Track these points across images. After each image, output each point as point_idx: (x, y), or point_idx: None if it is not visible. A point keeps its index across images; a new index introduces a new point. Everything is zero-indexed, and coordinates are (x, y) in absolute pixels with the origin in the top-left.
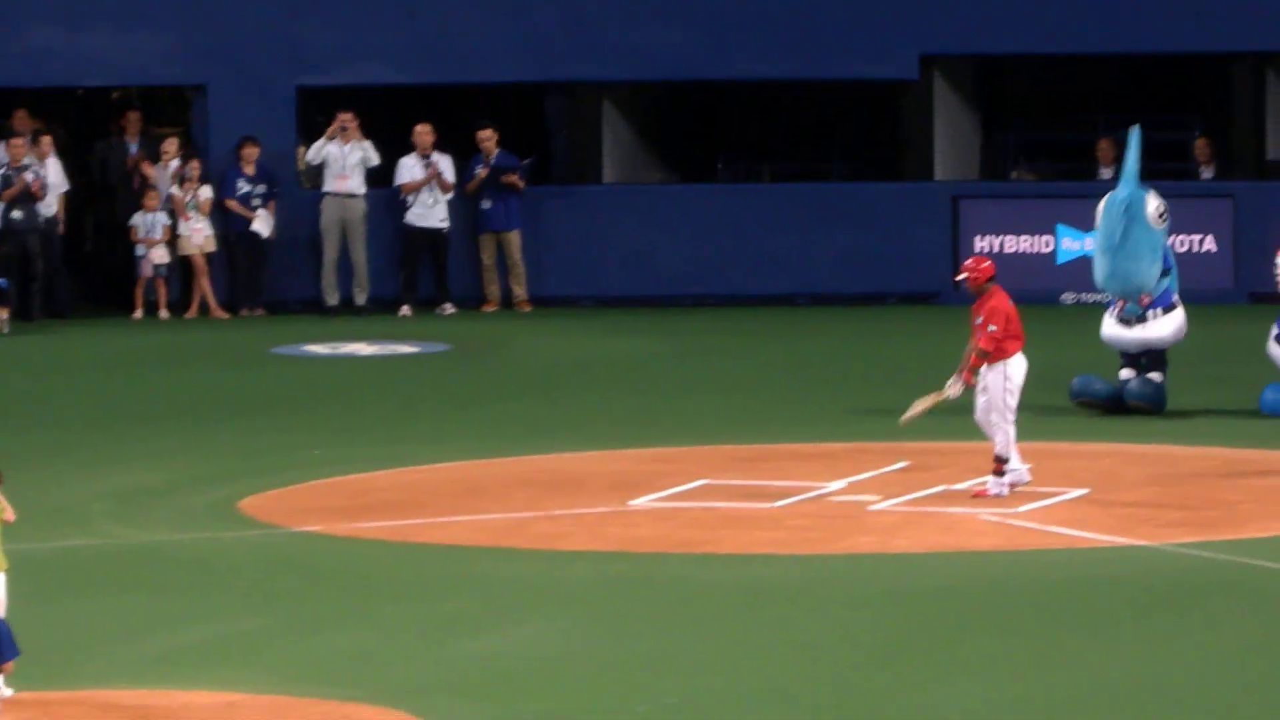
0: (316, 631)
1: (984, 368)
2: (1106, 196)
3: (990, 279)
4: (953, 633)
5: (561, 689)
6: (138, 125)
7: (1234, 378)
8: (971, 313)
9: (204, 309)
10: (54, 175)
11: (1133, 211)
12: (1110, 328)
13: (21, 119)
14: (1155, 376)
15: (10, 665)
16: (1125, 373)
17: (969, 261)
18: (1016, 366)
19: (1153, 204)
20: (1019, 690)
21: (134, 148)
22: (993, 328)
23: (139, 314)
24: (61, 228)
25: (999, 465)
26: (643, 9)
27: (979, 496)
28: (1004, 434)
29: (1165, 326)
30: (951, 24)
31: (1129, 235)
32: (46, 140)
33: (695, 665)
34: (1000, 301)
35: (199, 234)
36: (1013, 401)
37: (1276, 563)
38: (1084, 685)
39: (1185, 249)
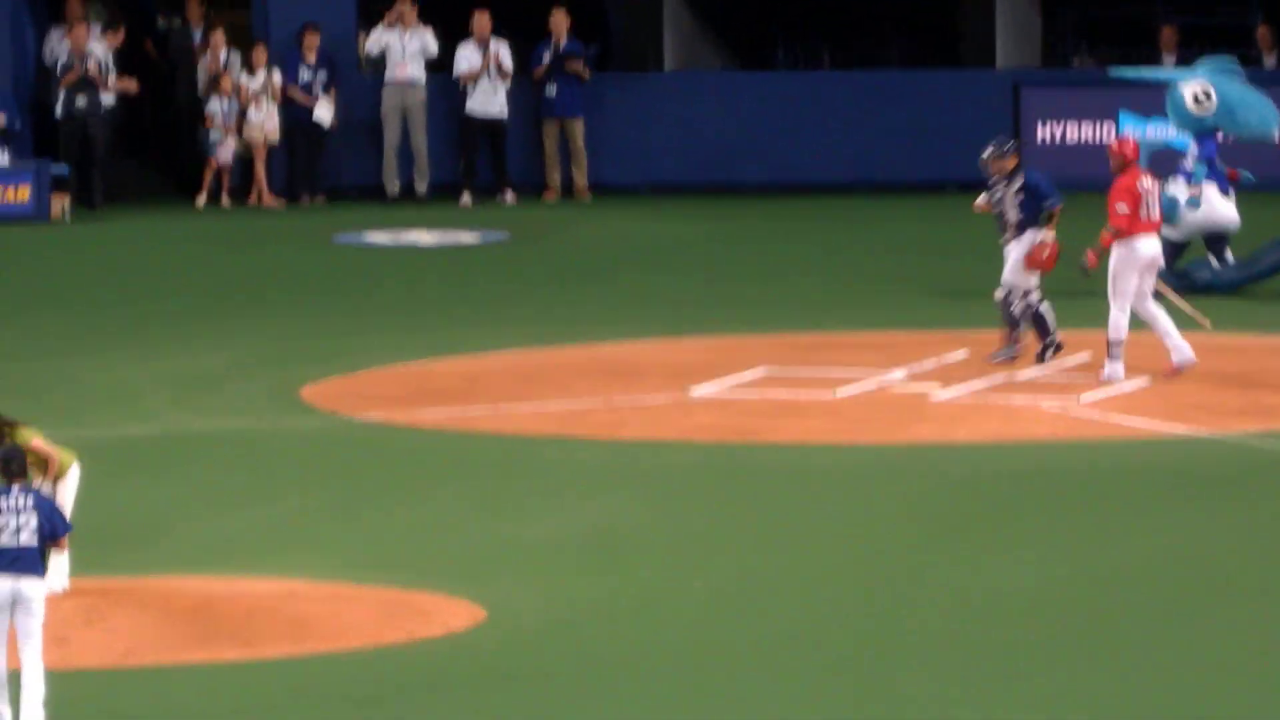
0: (376, 517)
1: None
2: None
3: (1129, 159)
4: (1006, 516)
5: (618, 570)
6: (200, 10)
7: None
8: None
9: (240, 189)
10: (105, 58)
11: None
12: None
13: (74, 4)
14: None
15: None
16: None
17: (1113, 142)
18: (1135, 248)
19: (1188, 91)
20: (1066, 569)
21: (198, 35)
22: (1121, 206)
23: (203, 200)
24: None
25: (1109, 348)
26: None
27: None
28: (1113, 316)
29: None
30: None
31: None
32: (118, 32)
33: (750, 546)
34: (1129, 181)
35: (269, 125)
36: (1121, 285)
37: None
38: (1127, 563)
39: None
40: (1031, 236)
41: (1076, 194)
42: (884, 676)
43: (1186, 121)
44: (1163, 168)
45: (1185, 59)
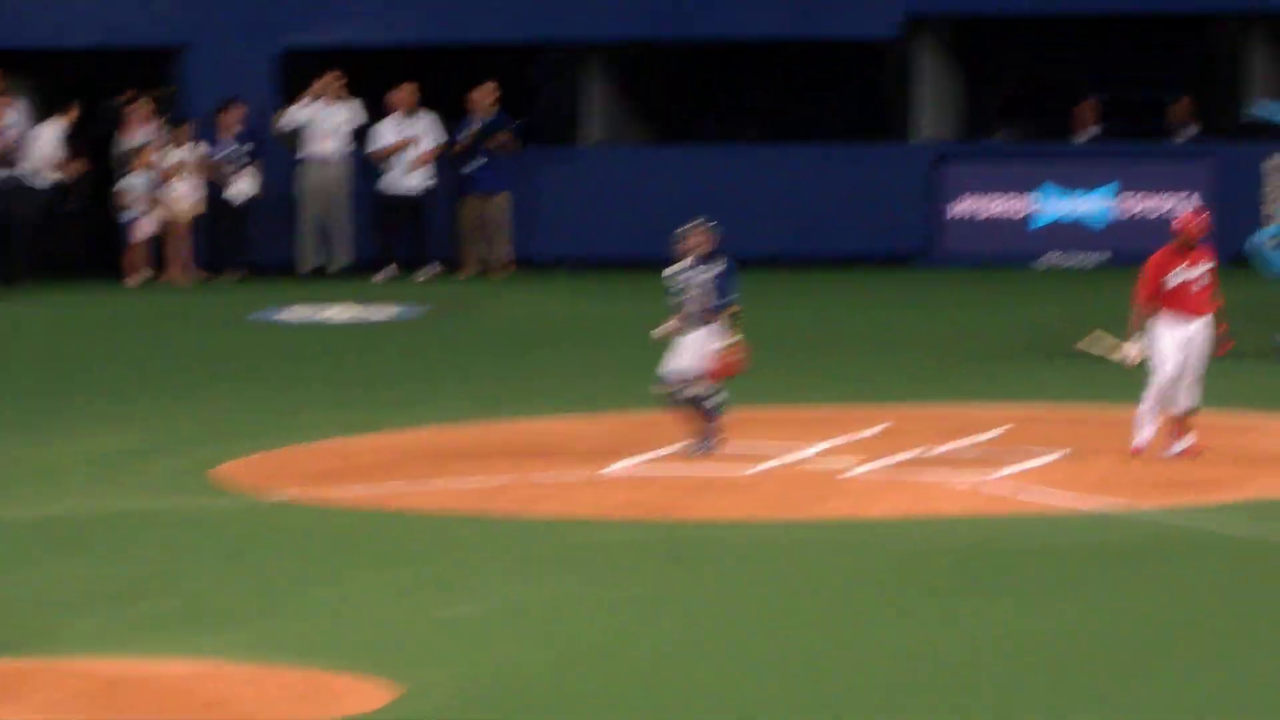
0: (293, 598)
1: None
2: None
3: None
4: (915, 591)
5: (534, 646)
6: (132, 94)
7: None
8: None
9: (155, 263)
10: (50, 137)
11: None
12: None
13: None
14: None
15: None
16: None
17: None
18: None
19: None
20: (972, 647)
21: (122, 109)
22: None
23: (136, 278)
24: (72, 184)
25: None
26: None
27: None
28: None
29: None
30: None
31: None
32: (73, 113)
33: (658, 629)
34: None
35: (187, 200)
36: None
37: (1242, 528)
38: (1037, 638)
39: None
40: (712, 331)
41: (992, 269)
42: None
43: None
44: None
45: (1107, 132)
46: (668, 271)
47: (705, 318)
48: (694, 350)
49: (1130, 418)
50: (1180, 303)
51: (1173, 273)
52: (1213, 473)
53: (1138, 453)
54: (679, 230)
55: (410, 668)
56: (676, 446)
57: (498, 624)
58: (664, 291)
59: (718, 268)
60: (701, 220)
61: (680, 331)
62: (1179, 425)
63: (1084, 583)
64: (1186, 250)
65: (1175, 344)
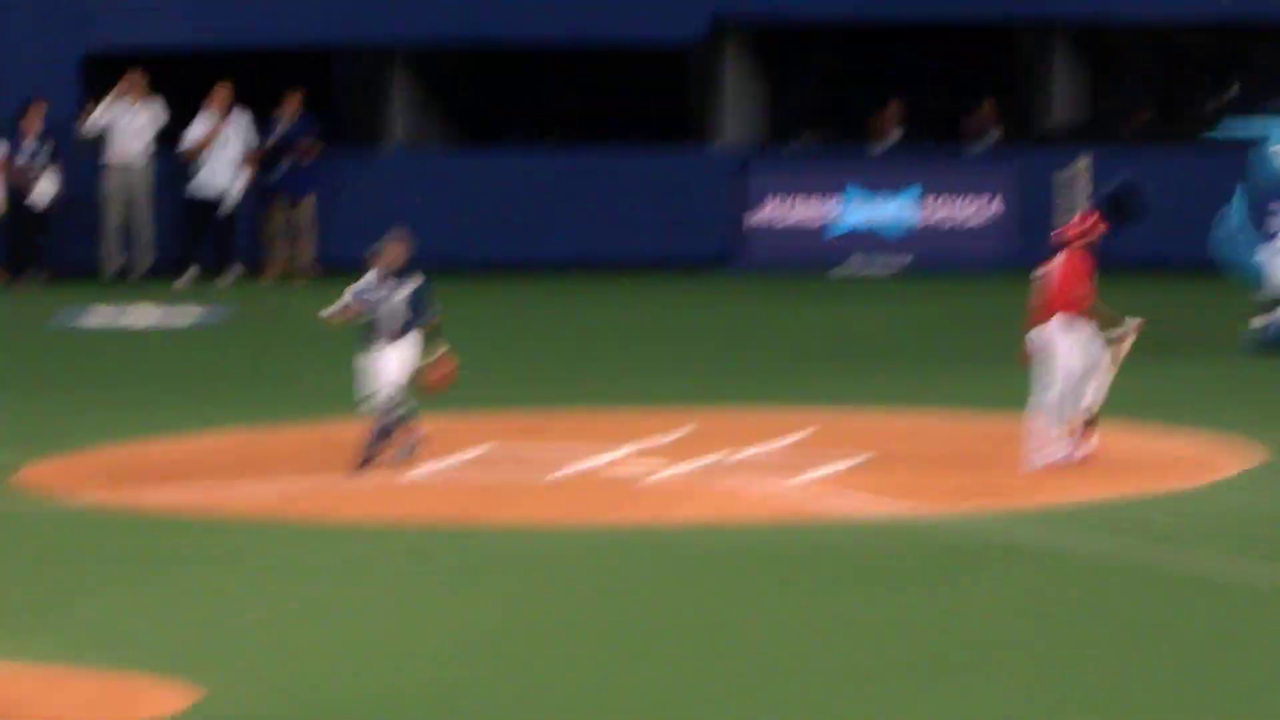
0: (92, 602)
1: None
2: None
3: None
4: (718, 598)
5: (325, 659)
6: None
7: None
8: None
9: None
10: None
11: None
12: None
13: None
14: None
15: None
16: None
17: (1088, 221)
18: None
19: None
20: (767, 655)
21: None
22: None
23: None
24: None
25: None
26: None
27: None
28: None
29: None
30: None
31: None
32: None
33: (450, 627)
34: (1072, 264)
35: None
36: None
37: (1035, 532)
38: (833, 642)
39: (968, 215)
40: (414, 346)
41: (795, 274)
42: None
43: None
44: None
45: (907, 135)
46: (357, 286)
47: (400, 334)
48: (394, 366)
49: (923, 424)
50: (1080, 305)
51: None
52: (1006, 480)
53: (1052, 469)
54: (374, 245)
55: (210, 671)
56: (481, 449)
57: (296, 628)
58: (364, 303)
59: (412, 284)
60: (397, 233)
61: (380, 340)
62: (1087, 428)
63: (880, 587)
64: (1093, 252)
65: (1080, 345)
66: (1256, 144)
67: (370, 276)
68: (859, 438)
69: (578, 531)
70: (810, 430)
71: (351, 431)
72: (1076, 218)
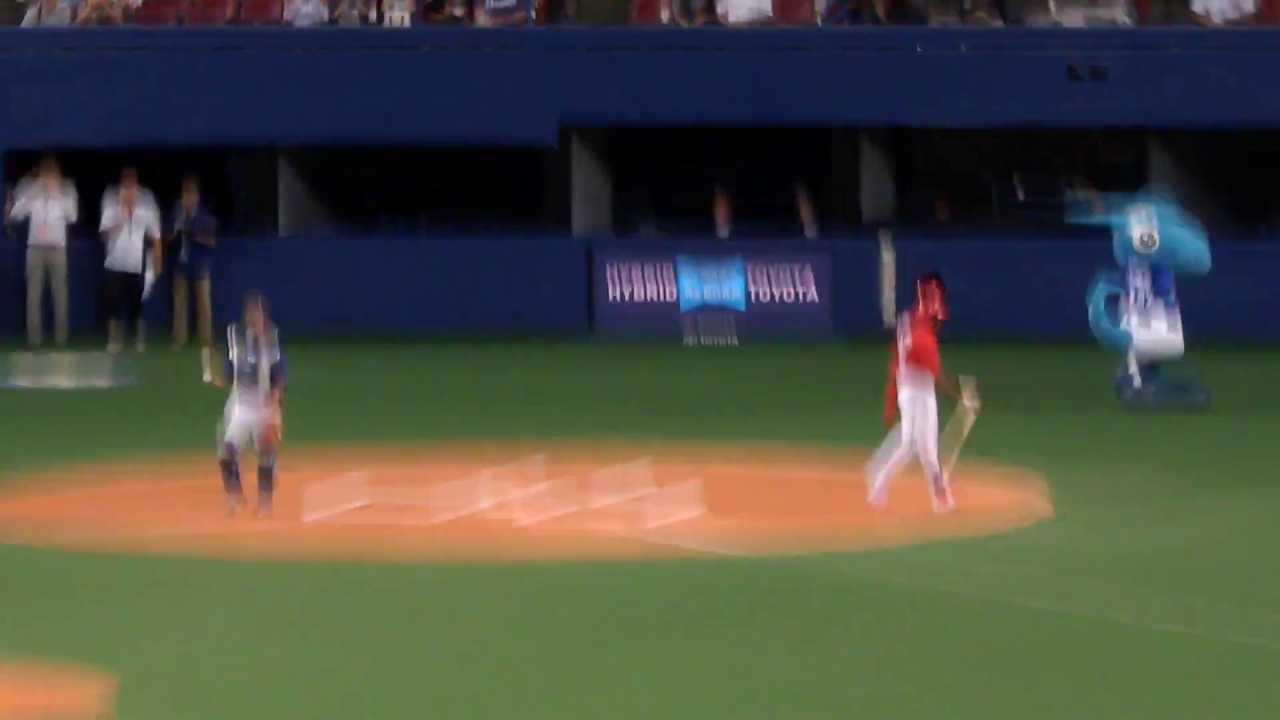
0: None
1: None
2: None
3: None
4: (576, 634)
5: (224, 694)
6: None
7: (838, 406)
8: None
9: None
10: None
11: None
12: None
13: None
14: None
15: None
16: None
17: (929, 285)
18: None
19: (1136, 234)
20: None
21: None
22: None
23: None
24: None
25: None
26: (313, 78)
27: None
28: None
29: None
30: (587, 96)
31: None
32: None
33: (342, 677)
34: (920, 330)
35: None
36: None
37: (862, 569)
38: (692, 675)
39: (789, 293)
40: (267, 405)
41: (645, 345)
42: None
43: (1131, 256)
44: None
45: (736, 229)
46: (228, 359)
47: (265, 394)
48: (256, 421)
49: (756, 473)
50: (934, 371)
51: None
52: (834, 521)
53: (882, 509)
54: (249, 303)
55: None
56: (365, 500)
57: (196, 671)
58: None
59: (277, 352)
60: (252, 297)
61: (245, 396)
62: (952, 481)
63: (727, 631)
64: (935, 320)
65: (929, 407)
66: (1110, 228)
67: (234, 338)
68: (699, 487)
69: (460, 566)
70: (653, 486)
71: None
72: (923, 298)
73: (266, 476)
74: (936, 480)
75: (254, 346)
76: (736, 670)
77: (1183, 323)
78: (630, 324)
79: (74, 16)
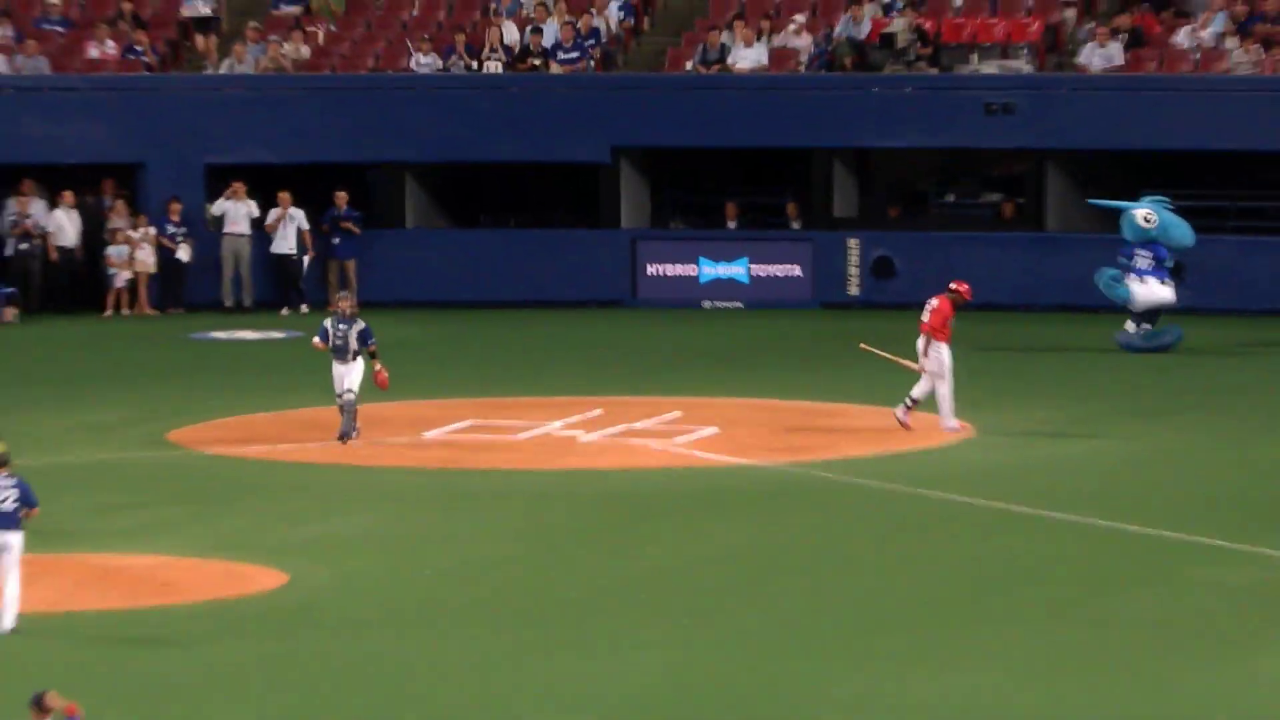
0: (214, 518)
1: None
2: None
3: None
4: (624, 517)
5: (371, 559)
6: (112, 188)
7: (816, 355)
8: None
9: (130, 302)
10: (68, 222)
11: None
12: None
13: (28, 184)
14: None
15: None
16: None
17: (962, 286)
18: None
19: (1140, 215)
20: (672, 556)
21: (107, 202)
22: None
23: (109, 313)
24: (79, 253)
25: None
26: (430, 112)
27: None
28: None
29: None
30: (632, 126)
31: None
32: (68, 196)
33: (456, 545)
34: (943, 306)
35: (148, 260)
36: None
37: (831, 474)
38: (710, 551)
39: (781, 273)
40: (362, 363)
41: (673, 309)
42: (556, 625)
43: (1137, 234)
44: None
45: (741, 224)
46: (327, 322)
47: (354, 355)
48: (353, 374)
49: (755, 407)
50: (948, 335)
51: (951, 318)
52: (813, 440)
53: (953, 431)
54: (339, 295)
55: (293, 563)
56: (462, 424)
57: (351, 538)
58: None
59: (361, 324)
60: (347, 293)
61: (339, 361)
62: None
63: (733, 513)
64: (959, 306)
65: (943, 356)
66: (1120, 213)
67: (330, 320)
68: (712, 416)
69: (537, 473)
70: (680, 411)
71: (387, 409)
72: (953, 285)
73: (351, 412)
74: (908, 403)
75: (342, 323)
76: (731, 537)
77: (1170, 284)
78: (662, 294)
79: (257, 65)
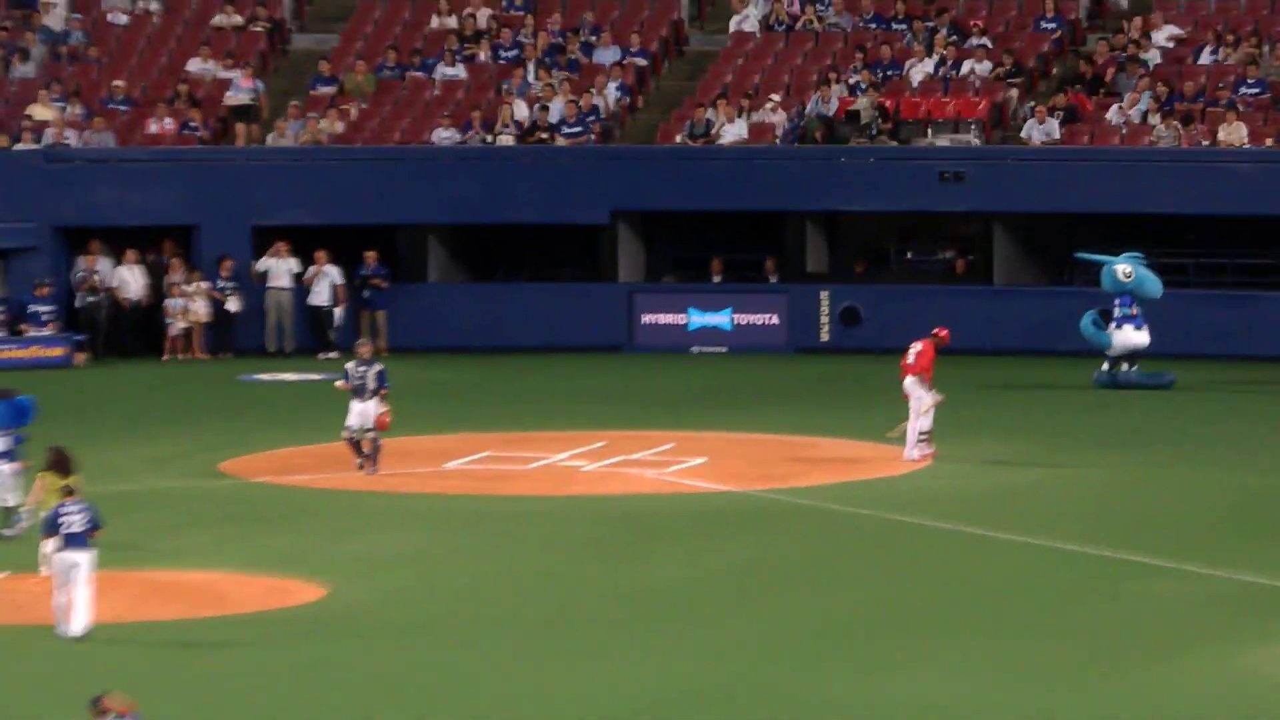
0: (262, 537)
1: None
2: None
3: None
4: (623, 537)
5: (400, 575)
6: (170, 248)
7: (792, 394)
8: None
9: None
10: (131, 278)
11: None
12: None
13: (95, 244)
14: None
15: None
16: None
17: (943, 332)
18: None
19: (1119, 269)
20: (671, 573)
21: (166, 259)
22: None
23: (167, 358)
24: (145, 304)
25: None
26: (449, 180)
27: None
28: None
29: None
30: (628, 192)
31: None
32: (131, 254)
33: (476, 562)
34: (927, 349)
35: (201, 311)
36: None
37: (807, 500)
38: (704, 569)
39: (760, 322)
40: (378, 403)
41: (665, 354)
42: (568, 635)
43: (1116, 285)
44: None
45: (725, 279)
46: (349, 365)
47: (371, 394)
48: (367, 413)
49: (739, 441)
50: (927, 373)
51: (934, 360)
52: (790, 469)
53: (912, 460)
54: (358, 342)
55: (332, 578)
56: (480, 455)
57: (385, 554)
58: (347, 375)
59: (379, 366)
60: (365, 340)
61: (357, 400)
62: (929, 441)
63: (720, 534)
64: (939, 350)
65: (925, 393)
66: (1100, 265)
67: (352, 364)
68: (701, 448)
69: (546, 498)
70: (672, 444)
71: (411, 442)
72: (936, 331)
73: (375, 447)
74: (920, 436)
75: (361, 365)
76: (720, 555)
77: (1144, 330)
78: (656, 340)
79: (297, 139)
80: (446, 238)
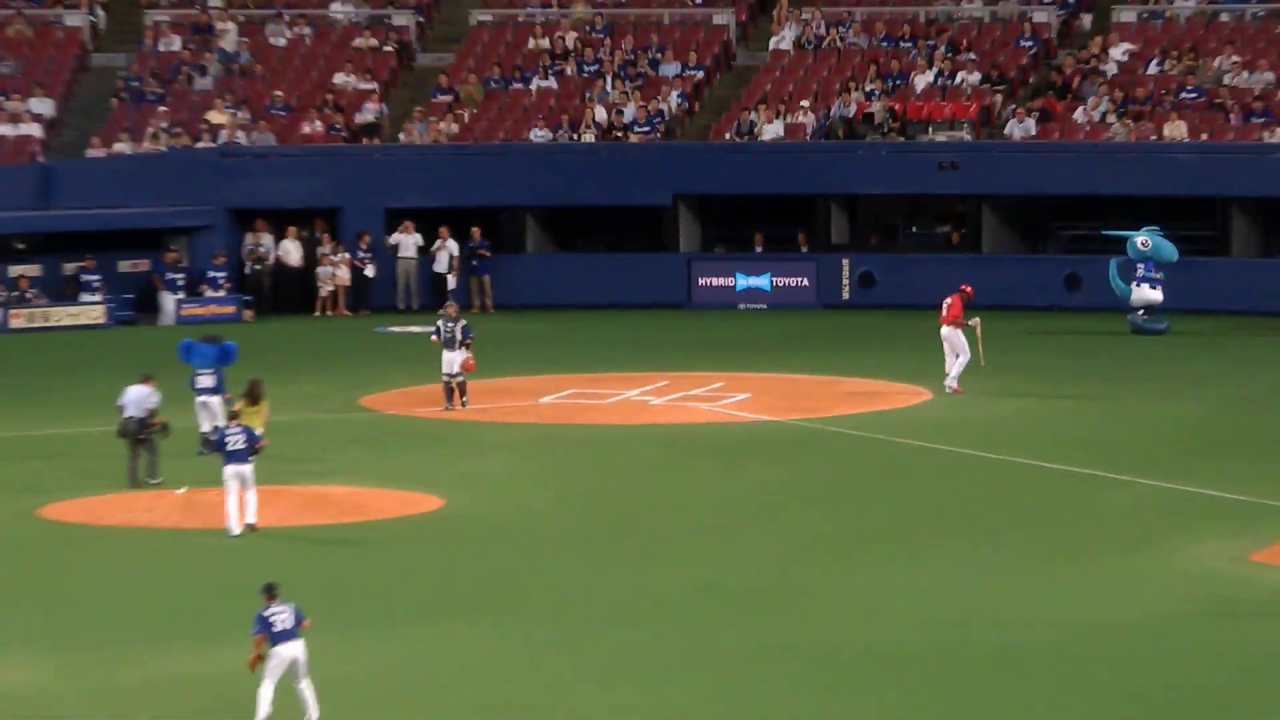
0: (394, 458)
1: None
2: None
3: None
4: (682, 458)
5: (503, 488)
6: (320, 225)
7: (820, 342)
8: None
9: (332, 306)
10: (293, 249)
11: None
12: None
13: (260, 223)
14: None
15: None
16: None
17: (968, 287)
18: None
19: (1139, 240)
20: (719, 490)
21: (317, 235)
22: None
23: (318, 314)
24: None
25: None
26: (543, 169)
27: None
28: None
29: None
30: (687, 179)
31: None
32: (292, 230)
33: (563, 478)
34: (956, 303)
35: (345, 276)
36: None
37: (832, 427)
38: (747, 487)
39: (794, 283)
40: (464, 351)
41: (717, 310)
42: (623, 540)
43: (1136, 253)
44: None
45: (765, 249)
46: (439, 322)
47: (457, 346)
48: (454, 360)
49: (780, 380)
50: (959, 320)
51: (964, 308)
52: (818, 403)
53: (955, 392)
54: (446, 302)
55: (448, 491)
56: (566, 392)
57: (486, 473)
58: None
59: (464, 322)
60: (452, 301)
61: (447, 350)
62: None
63: (760, 456)
64: (966, 303)
65: (960, 337)
66: (1124, 238)
67: (441, 321)
68: (745, 386)
69: (621, 427)
70: (722, 383)
71: (514, 382)
72: (962, 287)
73: (462, 388)
74: (958, 373)
75: (450, 322)
76: (758, 473)
77: (1159, 290)
78: (709, 299)
79: (421, 137)
80: (539, 217)
